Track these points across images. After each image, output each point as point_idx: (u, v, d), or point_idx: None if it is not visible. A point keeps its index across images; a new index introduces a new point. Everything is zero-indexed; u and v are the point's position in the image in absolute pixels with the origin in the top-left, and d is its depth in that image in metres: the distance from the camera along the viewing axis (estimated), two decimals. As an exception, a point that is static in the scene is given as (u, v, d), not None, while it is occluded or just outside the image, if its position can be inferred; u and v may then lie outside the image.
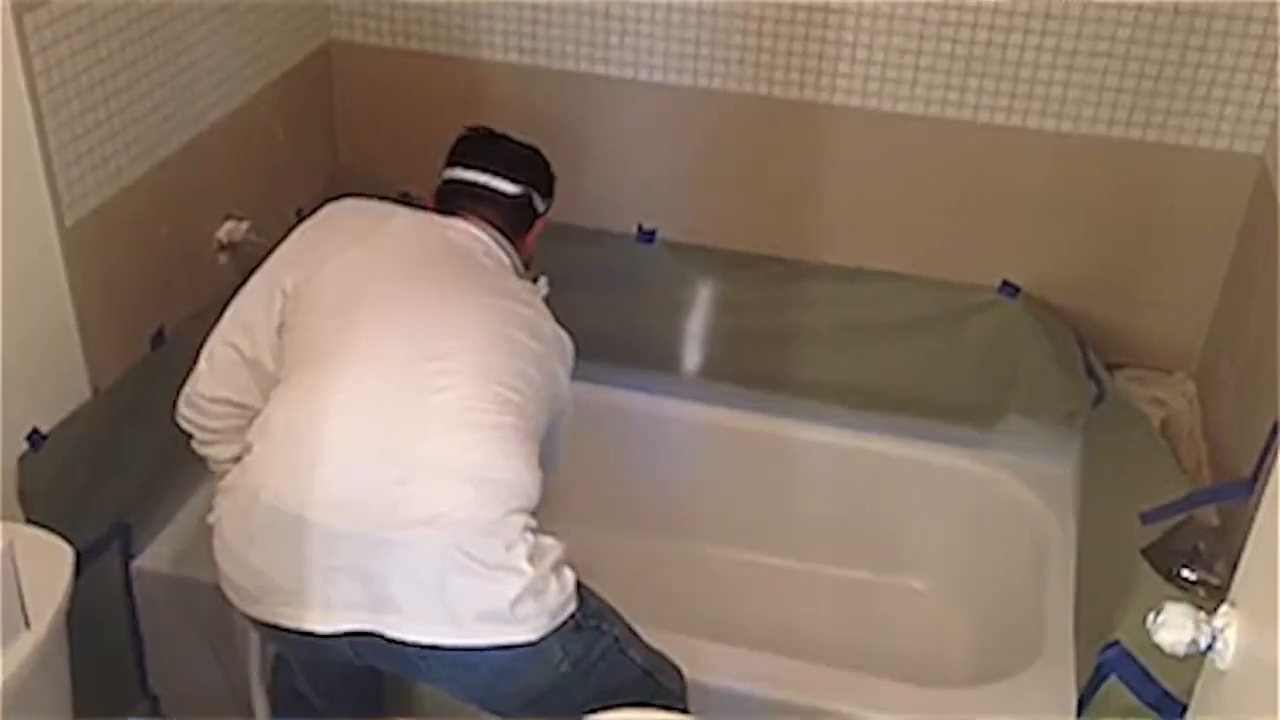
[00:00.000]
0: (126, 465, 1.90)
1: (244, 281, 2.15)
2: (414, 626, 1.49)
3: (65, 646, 1.53)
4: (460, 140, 1.91)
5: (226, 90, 2.05)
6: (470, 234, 1.75)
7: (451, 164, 1.87)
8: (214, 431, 1.69)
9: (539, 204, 1.89)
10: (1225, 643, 1.10)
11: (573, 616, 1.53)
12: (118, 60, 1.78)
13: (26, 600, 1.40)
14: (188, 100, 1.95)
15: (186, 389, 1.71)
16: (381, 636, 1.50)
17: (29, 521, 1.66)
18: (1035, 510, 2.20)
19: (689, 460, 2.40)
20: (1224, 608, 1.13)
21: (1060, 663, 1.82)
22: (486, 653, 1.48)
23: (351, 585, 1.48)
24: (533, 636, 1.49)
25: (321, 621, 1.51)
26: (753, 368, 2.36)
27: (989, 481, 2.28)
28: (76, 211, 1.74)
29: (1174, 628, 1.12)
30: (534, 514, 1.53)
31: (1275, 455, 1.17)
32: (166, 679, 2.08)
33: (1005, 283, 2.25)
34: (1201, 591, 1.70)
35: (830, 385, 2.33)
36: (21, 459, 1.71)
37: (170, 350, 1.98)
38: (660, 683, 1.66)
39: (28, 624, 1.41)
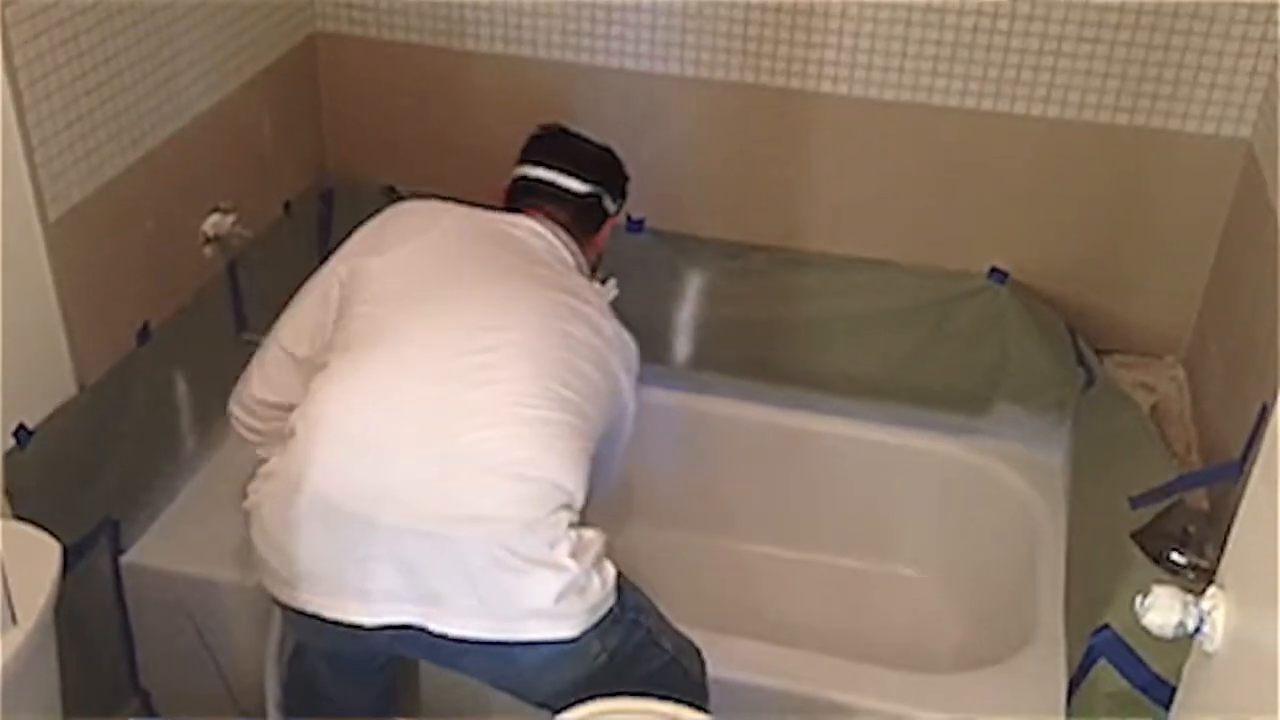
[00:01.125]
0: (114, 461, 1.90)
1: (233, 276, 2.17)
2: (456, 621, 1.47)
3: (54, 643, 1.53)
4: (532, 138, 1.89)
5: (211, 83, 2.04)
6: (534, 231, 1.73)
7: (522, 161, 1.85)
8: (262, 433, 1.69)
9: (609, 205, 1.87)
10: (1213, 625, 1.11)
11: (611, 610, 1.52)
12: (99, 53, 1.77)
13: (14, 596, 1.39)
14: (171, 93, 1.94)
15: (238, 388, 1.72)
16: (423, 630, 1.48)
17: (16, 518, 1.65)
18: (1025, 497, 2.20)
19: (678, 450, 2.40)
20: (1211, 590, 1.13)
21: (1051, 647, 1.83)
22: (528, 647, 1.48)
23: (393, 578, 1.47)
24: (574, 633, 1.48)
25: (362, 614, 1.49)
26: (741, 357, 2.36)
27: (979, 469, 2.28)
28: (60, 206, 1.73)
29: (1162, 610, 1.12)
30: (579, 509, 1.52)
31: (1263, 438, 1.17)
32: (157, 675, 2.07)
33: (994, 269, 2.25)
34: (1191, 575, 1.70)
35: (820, 374, 2.32)
36: (8, 455, 1.70)
37: (157, 345, 1.98)
38: (686, 668, 1.66)
39: (15, 620, 1.40)
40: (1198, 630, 1.12)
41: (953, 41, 2.09)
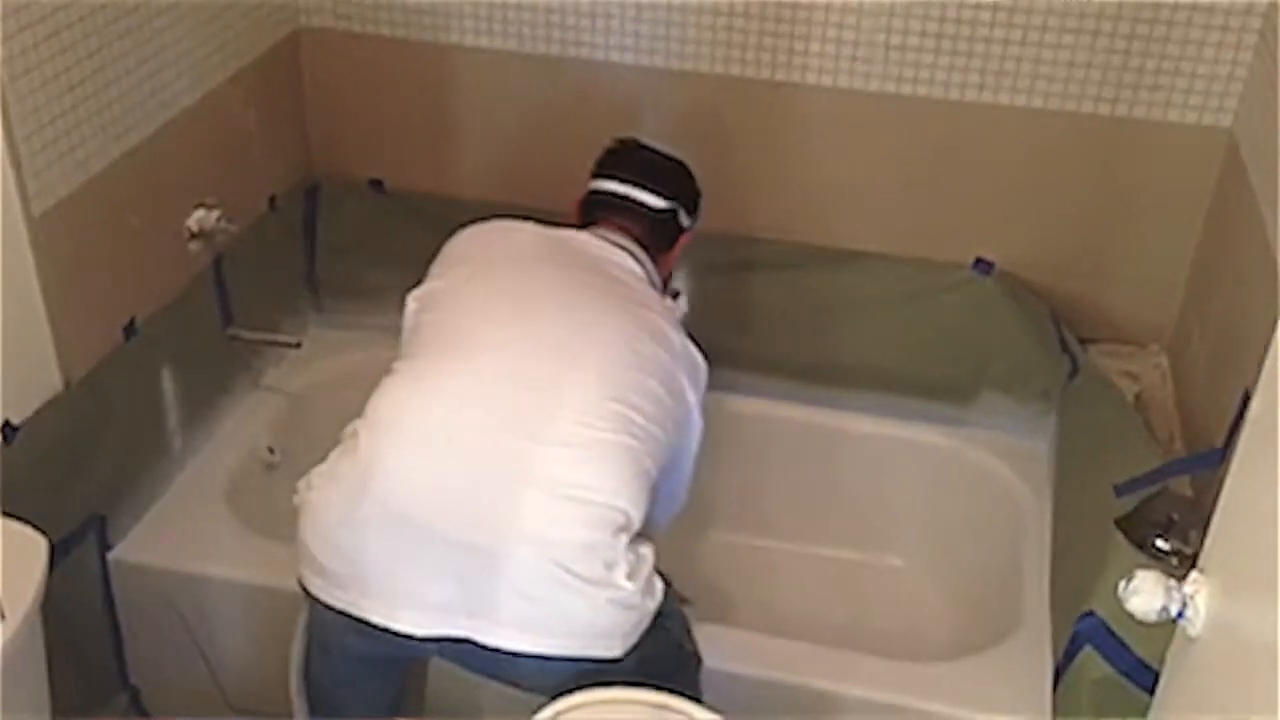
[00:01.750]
0: (100, 457, 1.89)
1: (219, 272, 2.17)
2: (508, 634, 1.45)
3: (41, 639, 1.53)
4: (607, 151, 1.88)
5: (195, 77, 2.04)
6: (606, 246, 1.71)
7: (596, 175, 1.84)
8: None
9: (684, 220, 1.85)
10: (1195, 609, 1.11)
11: (650, 626, 1.52)
12: (83, 48, 1.76)
13: (1, 593, 1.39)
14: (155, 88, 1.94)
15: None
16: (472, 642, 1.47)
17: (3, 514, 1.65)
18: (1012, 486, 2.21)
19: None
20: (1194, 574, 1.14)
21: (1037, 635, 1.84)
22: (577, 662, 1.47)
23: (449, 589, 1.45)
24: (622, 651, 1.48)
25: (415, 624, 1.47)
26: (728, 348, 2.35)
27: (966, 458, 2.29)
28: (44, 201, 1.72)
29: (1145, 595, 1.12)
30: (637, 529, 1.50)
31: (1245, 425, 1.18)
32: (146, 671, 2.07)
33: (979, 259, 2.26)
34: (1175, 561, 1.71)
35: (806, 364, 2.33)
36: (-6, 452, 1.70)
37: (143, 341, 1.98)
38: (696, 669, 1.67)
39: (2, 617, 1.40)
40: (1180, 615, 1.13)
41: (936, 33, 2.10)
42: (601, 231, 1.74)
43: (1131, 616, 1.14)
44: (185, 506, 2.07)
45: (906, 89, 2.15)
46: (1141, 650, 1.55)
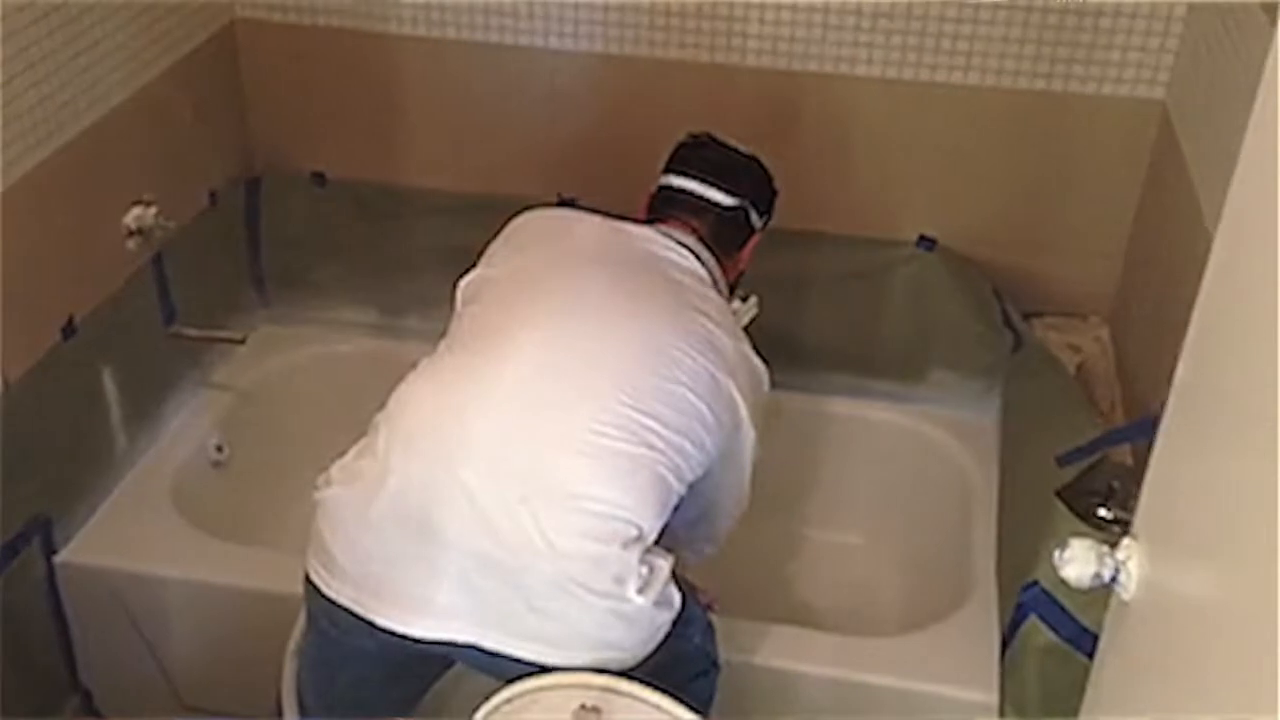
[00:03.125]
0: (42, 458, 1.87)
1: (159, 269, 2.15)
2: (516, 644, 1.42)
3: (-14, 643, 1.51)
4: (679, 146, 1.82)
5: (128, 72, 2.01)
6: (668, 244, 1.65)
7: (666, 170, 1.78)
8: None
9: (755, 220, 1.79)
10: (1128, 574, 1.13)
11: (667, 633, 1.50)
12: (10, 45, 1.74)
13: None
14: (87, 83, 1.91)
15: None
16: (480, 649, 1.44)
17: (-58, 520, 1.64)
18: (962, 460, 2.23)
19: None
20: (1126, 540, 1.16)
21: (985, 606, 1.86)
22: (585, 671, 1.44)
23: (457, 596, 1.42)
24: (631, 662, 1.45)
25: (423, 628, 1.43)
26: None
27: (915, 434, 2.31)
28: (-25, 201, 1.70)
29: (1078, 562, 1.14)
30: (653, 539, 1.47)
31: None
32: (98, 673, 2.05)
33: (922, 237, 2.27)
34: (1118, 529, 1.73)
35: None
36: (-68, 456, 1.68)
37: (81, 340, 1.95)
38: (712, 678, 1.64)
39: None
40: (1114, 580, 1.14)
41: (872, 13, 2.11)
42: (666, 229, 1.68)
43: (1063, 582, 1.16)
44: (132, 507, 2.05)
45: (845, 69, 2.16)
46: (1084, 617, 1.57)
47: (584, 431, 1.42)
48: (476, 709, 1.35)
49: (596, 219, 1.68)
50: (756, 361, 1.62)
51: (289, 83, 2.38)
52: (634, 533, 1.43)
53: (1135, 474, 1.82)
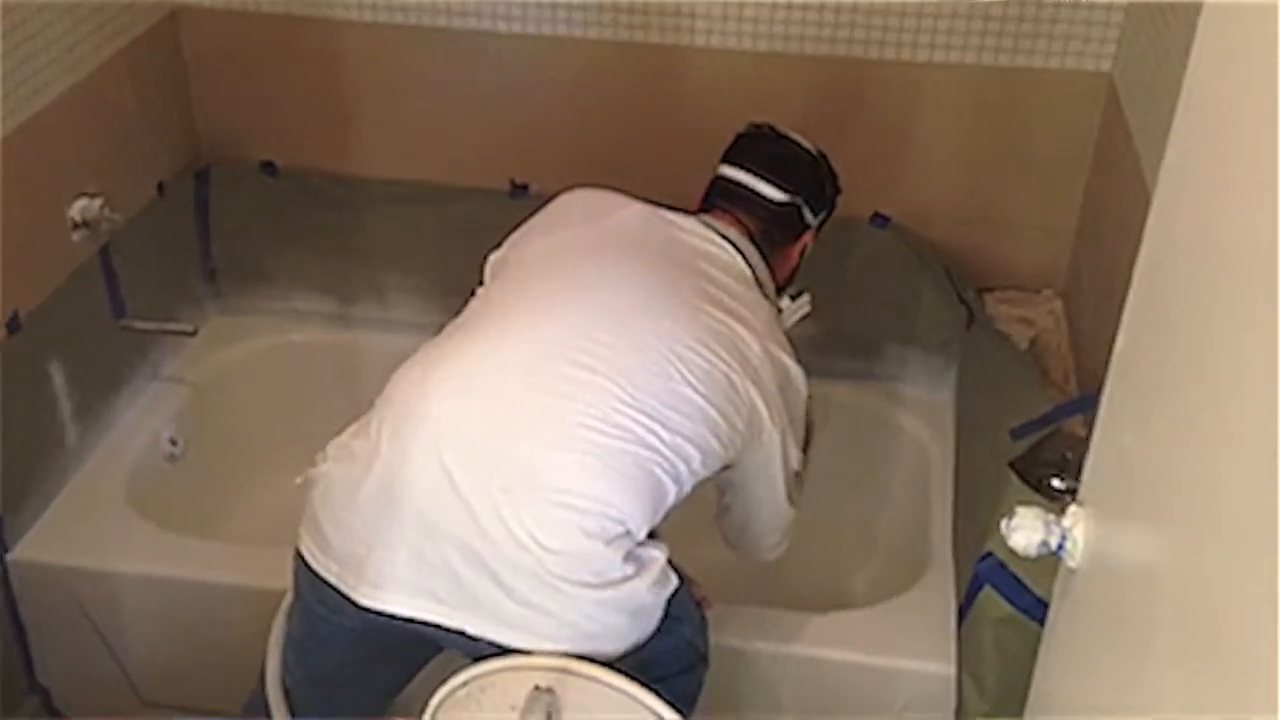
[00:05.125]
0: (-9, 456, 1.85)
1: (106, 262, 2.12)
2: (499, 630, 1.41)
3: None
4: (737, 136, 1.77)
5: (69, 62, 1.98)
6: (711, 237, 1.61)
7: (723, 160, 1.74)
8: None
9: (809, 217, 1.74)
10: (1074, 541, 1.14)
11: (656, 627, 1.48)
12: (-56, 36, 1.71)
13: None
14: (26, 76, 1.88)
15: None
16: (465, 634, 1.42)
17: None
18: (918, 436, 2.25)
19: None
20: (1072, 508, 1.17)
21: (942, 579, 1.88)
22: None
23: (441, 580, 1.40)
24: (618, 652, 1.44)
25: (407, 608, 1.41)
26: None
27: (873, 412, 2.32)
28: (-88, 196, 1.67)
29: (1025, 530, 1.15)
30: (642, 535, 1.45)
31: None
32: (55, 671, 2.04)
33: (876, 214, 2.28)
34: (1070, 499, 1.75)
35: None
36: (-125, 456, 1.66)
37: (28, 334, 1.93)
38: (700, 673, 1.62)
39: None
40: (1060, 547, 1.15)
41: (821, -10, 2.11)
42: (712, 221, 1.64)
43: (1015, 553, 1.16)
44: (85, 502, 2.03)
45: (794, 48, 2.16)
46: (1038, 587, 1.58)
47: (577, 426, 1.40)
48: (432, 695, 1.35)
49: (640, 206, 1.64)
50: (789, 363, 1.57)
51: (235, 71, 2.35)
52: (619, 529, 1.41)
53: (1088, 444, 1.84)
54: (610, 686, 1.30)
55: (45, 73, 1.93)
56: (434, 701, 1.35)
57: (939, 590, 1.85)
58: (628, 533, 1.42)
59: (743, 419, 1.50)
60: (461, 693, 1.34)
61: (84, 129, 2.04)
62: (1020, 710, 1.38)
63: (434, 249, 2.38)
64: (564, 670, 1.29)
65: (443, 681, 1.38)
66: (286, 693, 1.62)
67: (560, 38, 2.22)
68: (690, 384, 1.45)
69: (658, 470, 1.43)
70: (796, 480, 1.67)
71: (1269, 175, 0.75)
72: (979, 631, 1.68)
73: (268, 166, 2.40)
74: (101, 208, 2.04)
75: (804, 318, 1.74)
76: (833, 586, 2.26)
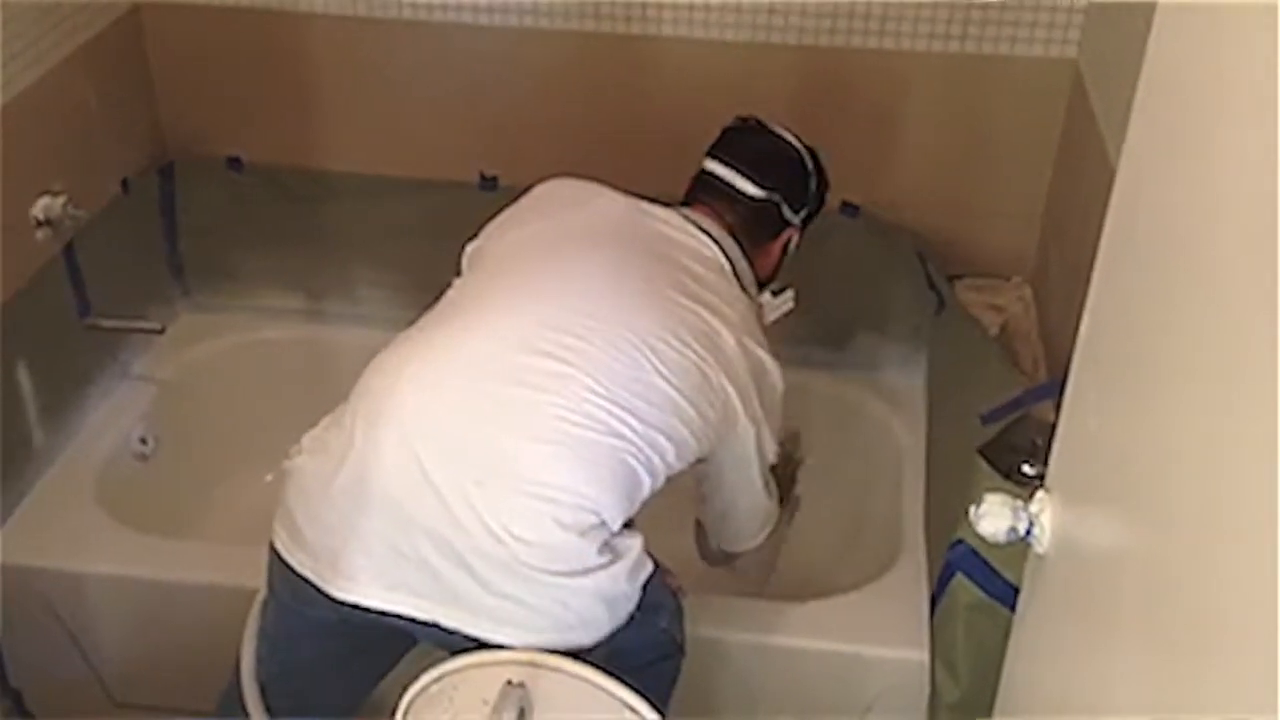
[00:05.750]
0: (-44, 458, 1.83)
1: (71, 260, 2.10)
2: (474, 622, 1.40)
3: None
4: (724, 130, 1.77)
5: (29, 59, 1.96)
6: (689, 230, 1.61)
7: (707, 154, 1.73)
8: None
9: (789, 214, 1.73)
10: (1041, 527, 1.15)
11: (631, 616, 1.47)
12: (-100, 34, 1.69)
13: None
14: (-14, 72, 1.87)
15: None
16: (440, 627, 1.42)
17: None
18: (890, 423, 2.25)
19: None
20: (1039, 494, 1.17)
21: (914, 566, 1.88)
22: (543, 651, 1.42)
23: (413, 572, 1.39)
24: (590, 642, 1.43)
25: (379, 600, 1.41)
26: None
27: (846, 400, 2.32)
28: None
29: (993, 517, 1.15)
30: (619, 525, 1.45)
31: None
32: (27, 673, 2.02)
33: (845, 203, 2.28)
34: (1039, 485, 1.75)
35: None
36: None
37: (-8, 335, 1.91)
38: (675, 664, 1.62)
39: None
40: (1029, 533, 1.16)
41: (785, -21, 2.11)
42: (692, 214, 1.65)
43: (984, 539, 1.17)
44: (54, 503, 2.01)
45: (761, 36, 2.16)
46: (1009, 573, 1.59)
47: (550, 418, 1.40)
48: (403, 692, 1.34)
49: (619, 197, 1.64)
50: (764, 357, 1.57)
51: (199, 66, 2.34)
52: (593, 520, 1.41)
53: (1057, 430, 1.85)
54: (581, 679, 1.30)
55: (4, 70, 1.90)
56: (406, 699, 1.35)
57: (911, 577, 1.86)
58: (602, 523, 1.42)
59: (716, 411, 1.51)
60: (434, 689, 1.34)
61: (46, 126, 2.02)
62: (993, 696, 1.39)
63: (404, 243, 2.36)
64: (535, 664, 1.29)
65: (414, 679, 1.38)
66: (262, 688, 1.61)
67: (528, 29, 2.21)
68: (662, 375, 1.45)
69: (631, 460, 1.43)
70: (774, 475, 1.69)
71: (1224, 159, 0.76)
72: (951, 618, 1.69)
73: (234, 162, 2.39)
74: (65, 205, 2.02)
75: (787, 314, 1.74)
76: (806, 575, 2.25)
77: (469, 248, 1.64)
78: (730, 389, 1.51)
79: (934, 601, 1.77)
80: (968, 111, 2.18)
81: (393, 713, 1.37)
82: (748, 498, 1.67)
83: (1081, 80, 2.03)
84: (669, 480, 1.51)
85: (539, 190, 1.68)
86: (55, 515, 1.99)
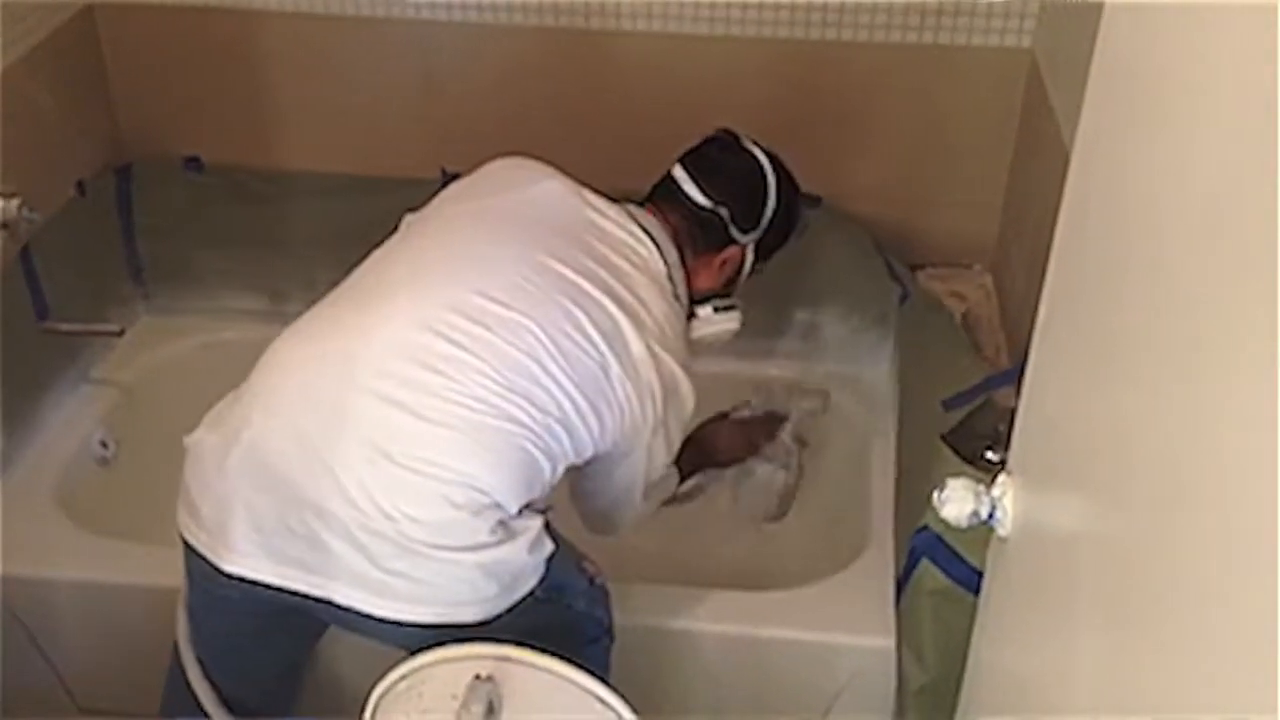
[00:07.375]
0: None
1: (27, 263, 2.07)
2: (364, 598, 1.42)
3: None
4: (703, 139, 1.77)
5: (-20, 61, 1.94)
6: (630, 228, 1.60)
7: (678, 158, 1.74)
8: None
9: (735, 231, 1.70)
10: (1004, 510, 1.16)
11: (531, 593, 1.48)
12: None
13: None
14: (-65, 74, 1.84)
15: None
16: (331, 602, 1.43)
17: None
18: (858, 413, 2.26)
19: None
20: (1001, 477, 1.18)
21: (882, 554, 1.89)
22: (436, 628, 1.43)
23: (302, 546, 1.41)
24: (477, 619, 1.44)
25: (272, 575, 1.43)
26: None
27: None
28: None
29: (956, 501, 1.16)
30: (515, 509, 1.46)
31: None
32: (-11, 681, 1.99)
33: (805, 195, 2.28)
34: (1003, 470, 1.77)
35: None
36: None
37: (-53, 340, 1.89)
38: (600, 644, 1.63)
39: None
40: (991, 517, 1.17)
41: (745, -29, 2.11)
42: (638, 212, 1.65)
43: (948, 524, 1.18)
44: (14, 508, 1.98)
45: (720, 29, 2.16)
46: (973, 558, 1.60)
47: (446, 401, 1.41)
48: (371, 689, 1.34)
49: (561, 182, 1.63)
50: (675, 368, 1.56)
51: (155, 66, 2.31)
52: (484, 500, 1.43)
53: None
54: (550, 672, 1.30)
55: (-45, 71, 1.88)
56: (373, 697, 1.34)
57: (879, 565, 1.87)
58: (497, 505, 1.44)
59: (612, 413, 1.51)
60: (401, 686, 1.33)
61: (-1, 128, 1.99)
62: (960, 680, 1.40)
63: (366, 242, 2.33)
64: (503, 658, 1.29)
65: (381, 676, 1.37)
66: (200, 661, 1.63)
67: (487, 24, 2.21)
68: (561, 368, 1.46)
69: (529, 446, 1.44)
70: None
71: (1172, 145, 0.77)
72: (917, 604, 1.70)
73: (192, 162, 2.37)
74: (20, 208, 1.99)
75: (729, 333, 1.73)
76: (775, 565, 2.27)
77: (409, 217, 1.65)
78: (631, 393, 1.51)
79: (900, 587, 1.78)
80: (925, 101, 2.20)
81: (361, 711, 1.37)
82: (627, 497, 1.66)
83: (1038, 69, 2.05)
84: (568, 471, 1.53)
85: (487, 167, 1.69)
86: (15, 520, 1.96)
